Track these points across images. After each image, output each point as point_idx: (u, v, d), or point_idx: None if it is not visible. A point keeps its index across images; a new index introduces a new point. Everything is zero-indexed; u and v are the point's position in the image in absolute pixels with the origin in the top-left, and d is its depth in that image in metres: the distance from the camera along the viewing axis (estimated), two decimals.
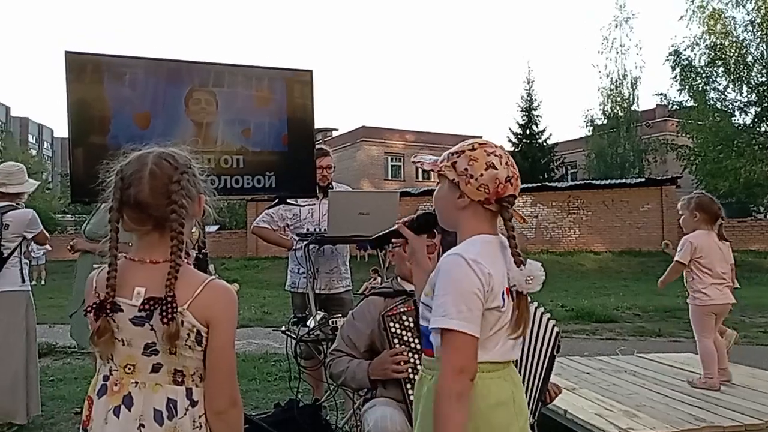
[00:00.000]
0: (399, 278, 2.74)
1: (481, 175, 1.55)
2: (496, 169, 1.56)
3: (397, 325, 2.51)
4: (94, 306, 1.43)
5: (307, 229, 4.11)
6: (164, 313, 1.39)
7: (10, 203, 4.14)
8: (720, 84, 22.92)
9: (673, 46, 23.58)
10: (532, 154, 30.50)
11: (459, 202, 1.59)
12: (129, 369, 1.46)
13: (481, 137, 1.71)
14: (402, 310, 2.54)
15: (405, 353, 2.46)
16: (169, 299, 1.40)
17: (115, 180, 1.48)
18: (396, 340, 2.49)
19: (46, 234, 4.34)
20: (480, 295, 1.49)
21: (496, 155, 1.58)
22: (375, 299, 2.71)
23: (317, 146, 4.27)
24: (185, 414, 1.45)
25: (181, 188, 1.46)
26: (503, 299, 1.53)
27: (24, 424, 4.02)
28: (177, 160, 1.50)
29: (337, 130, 38.01)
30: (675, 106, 24.32)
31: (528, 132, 31.23)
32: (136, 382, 1.45)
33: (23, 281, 4.16)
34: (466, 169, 1.57)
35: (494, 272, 1.52)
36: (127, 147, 1.55)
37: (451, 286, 1.50)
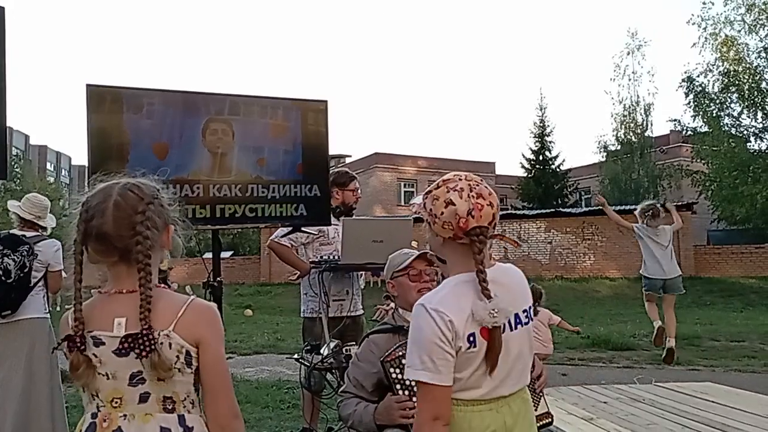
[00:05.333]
0: (400, 310, 2.69)
1: (442, 213, 1.59)
2: (455, 204, 1.57)
3: (397, 371, 2.43)
4: (65, 340, 1.42)
5: (327, 254, 4.14)
6: (142, 347, 1.38)
7: (38, 234, 4.25)
8: (734, 110, 22.89)
9: (686, 72, 23.72)
10: (546, 180, 30.47)
11: (436, 240, 1.65)
12: (116, 403, 1.43)
13: (455, 173, 1.68)
14: (401, 353, 2.44)
15: (410, 398, 2.39)
16: (144, 332, 1.39)
17: (80, 211, 1.47)
18: (398, 386, 2.43)
19: (63, 276, 4.34)
20: (444, 344, 1.51)
21: (456, 189, 1.59)
22: (377, 338, 2.67)
23: (344, 171, 4.47)
24: None
25: (146, 219, 1.45)
26: (470, 341, 1.53)
27: None
28: (143, 191, 1.49)
29: (350, 156, 38.25)
30: (689, 132, 24.26)
31: (541, 158, 31.25)
32: (125, 415, 1.43)
33: (46, 309, 4.24)
34: (431, 209, 1.62)
35: (457, 317, 1.53)
36: (93, 179, 1.55)
37: (415, 337, 1.56)
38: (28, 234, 4.17)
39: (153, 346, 1.38)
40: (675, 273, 6.22)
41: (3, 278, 3.93)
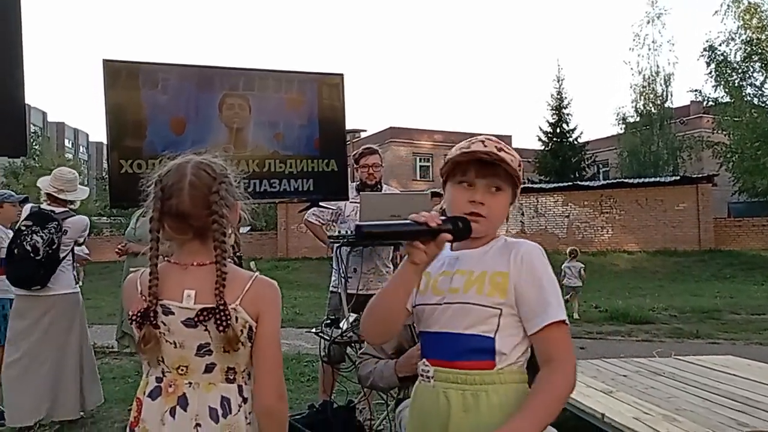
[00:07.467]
0: None
1: None
2: None
3: None
4: (139, 314, 1.46)
5: (344, 231, 4.13)
6: (219, 321, 1.42)
7: (66, 209, 4.32)
8: (757, 80, 22.36)
9: (707, 41, 23.08)
10: (563, 153, 30.13)
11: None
12: (182, 370, 1.48)
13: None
14: None
15: None
16: (221, 307, 1.43)
17: (154, 190, 1.50)
18: None
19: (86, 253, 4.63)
20: None
21: None
22: None
23: (365, 146, 4.35)
24: (239, 410, 1.49)
25: (221, 198, 1.48)
26: None
27: (78, 418, 4.26)
28: (215, 170, 1.52)
29: (365, 131, 37.89)
30: (710, 103, 23.81)
31: (558, 130, 30.84)
32: (190, 383, 1.48)
33: (75, 283, 4.37)
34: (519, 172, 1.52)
35: None
36: (163, 155, 1.58)
37: (550, 276, 1.43)
38: (57, 210, 4.25)
39: (229, 321, 1.43)
40: (579, 284, 10.58)
41: (32, 255, 4.03)
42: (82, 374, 4.27)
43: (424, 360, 1.51)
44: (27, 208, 4.29)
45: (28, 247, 4.03)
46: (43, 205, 4.28)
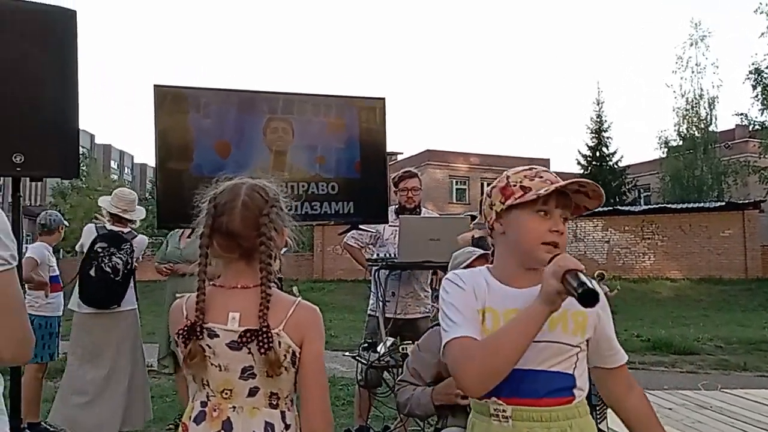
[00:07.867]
0: None
1: None
2: None
3: None
4: (186, 329, 1.47)
5: (382, 254, 4.14)
6: (261, 344, 1.43)
7: (130, 230, 4.47)
8: None
9: (753, 64, 22.62)
10: (603, 177, 29.66)
11: None
12: (226, 394, 1.49)
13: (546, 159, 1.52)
14: None
15: None
16: (264, 329, 1.44)
17: (207, 207, 1.53)
18: None
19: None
20: None
21: None
22: (439, 329, 2.65)
23: (405, 169, 4.38)
24: None
25: (270, 221, 1.50)
26: None
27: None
28: (267, 194, 1.54)
29: (402, 153, 38.23)
30: (756, 127, 23.24)
31: (598, 154, 30.45)
32: (234, 407, 1.48)
33: (135, 299, 4.51)
34: None
35: None
36: (219, 175, 1.61)
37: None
38: (124, 230, 4.40)
39: (271, 344, 1.43)
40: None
41: (111, 276, 4.19)
42: (144, 391, 4.41)
43: (494, 399, 1.45)
44: (92, 229, 4.36)
45: (108, 269, 4.17)
46: (108, 226, 4.39)
